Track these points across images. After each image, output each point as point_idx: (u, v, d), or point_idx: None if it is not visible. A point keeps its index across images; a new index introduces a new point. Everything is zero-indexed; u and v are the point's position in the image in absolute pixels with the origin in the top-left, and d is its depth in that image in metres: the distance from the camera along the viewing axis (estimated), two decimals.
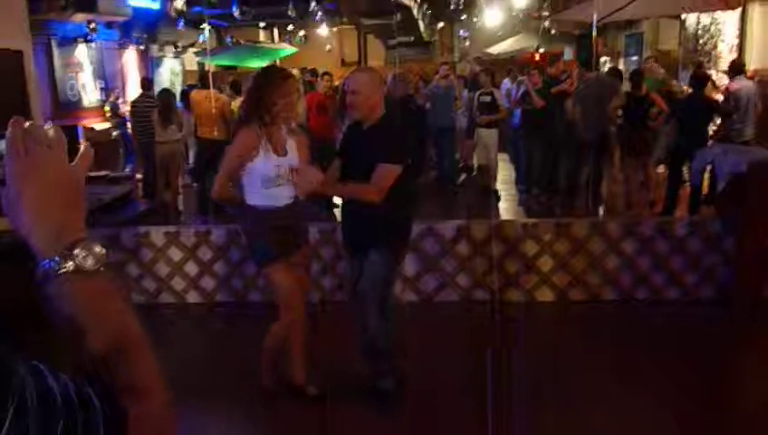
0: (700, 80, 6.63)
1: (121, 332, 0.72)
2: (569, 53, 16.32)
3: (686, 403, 3.43)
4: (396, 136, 3.28)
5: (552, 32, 15.96)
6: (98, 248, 0.72)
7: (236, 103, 8.40)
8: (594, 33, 6.98)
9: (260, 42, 16.57)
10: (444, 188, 8.60)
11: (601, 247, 4.78)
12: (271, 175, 3.15)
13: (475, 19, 16.59)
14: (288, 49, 15.44)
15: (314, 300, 4.66)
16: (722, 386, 3.64)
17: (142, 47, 13.24)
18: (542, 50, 14.92)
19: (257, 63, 15.24)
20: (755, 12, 8.56)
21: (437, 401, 3.53)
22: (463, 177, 9.40)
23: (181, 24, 12.54)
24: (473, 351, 4.09)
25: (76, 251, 0.71)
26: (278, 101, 3.10)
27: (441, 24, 18.53)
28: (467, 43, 18.61)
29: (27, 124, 0.74)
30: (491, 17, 15.11)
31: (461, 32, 18.57)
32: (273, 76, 3.20)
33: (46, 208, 0.72)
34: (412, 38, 18.18)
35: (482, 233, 4.88)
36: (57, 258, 0.70)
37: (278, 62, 16.58)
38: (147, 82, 8.60)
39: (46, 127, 0.77)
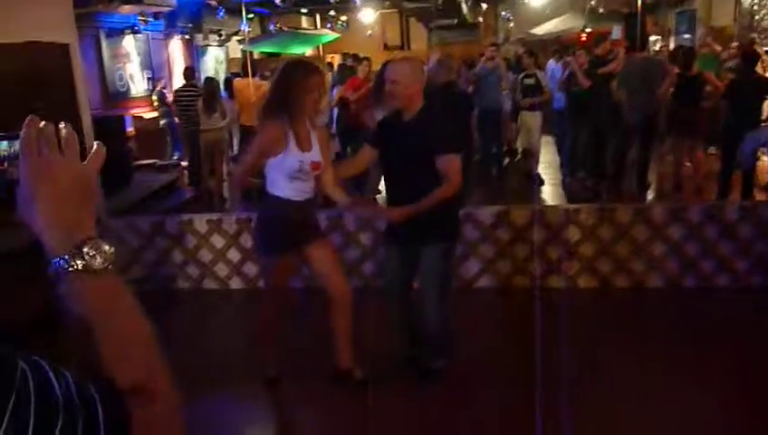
0: (751, 57, 6.35)
1: (129, 332, 0.73)
2: (617, 33, 15.81)
3: (735, 395, 3.33)
4: (444, 125, 3.30)
5: (600, 11, 15.52)
6: (106, 247, 0.73)
7: None
8: (639, 11, 6.73)
9: (302, 28, 16.63)
10: (487, 171, 8.49)
11: (646, 233, 4.66)
12: (294, 169, 3.17)
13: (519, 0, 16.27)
14: (330, 35, 15.45)
15: (355, 285, 4.69)
16: None
17: (187, 36, 13.45)
18: (588, 30, 14.52)
19: (300, 50, 15.33)
20: None
21: (478, 388, 3.51)
22: (506, 160, 9.27)
23: (222, 13, 12.68)
24: (513, 338, 4.06)
25: (85, 249, 0.72)
26: (304, 95, 3.12)
27: (485, 6, 18.23)
28: (512, 25, 18.27)
29: (42, 124, 0.75)
30: None
31: (504, 13, 18.23)
32: (299, 70, 3.18)
33: (59, 208, 0.73)
34: (455, 20, 17.95)
35: (523, 218, 4.81)
36: (66, 256, 0.71)
37: (321, 47, 16.64)
38: (189, 72, 8.76)
39: (60, 127, 0.78)
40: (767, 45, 9.30)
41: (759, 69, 6.65)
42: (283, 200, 3.23)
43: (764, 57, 8.40)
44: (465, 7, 15.94)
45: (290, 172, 3.17)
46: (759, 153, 5.66)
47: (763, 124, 6.17)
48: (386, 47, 18.58)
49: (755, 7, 9.82)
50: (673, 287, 4.66)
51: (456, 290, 4.85)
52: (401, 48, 18.55)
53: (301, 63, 3.34)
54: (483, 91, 8.19)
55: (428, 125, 3.17)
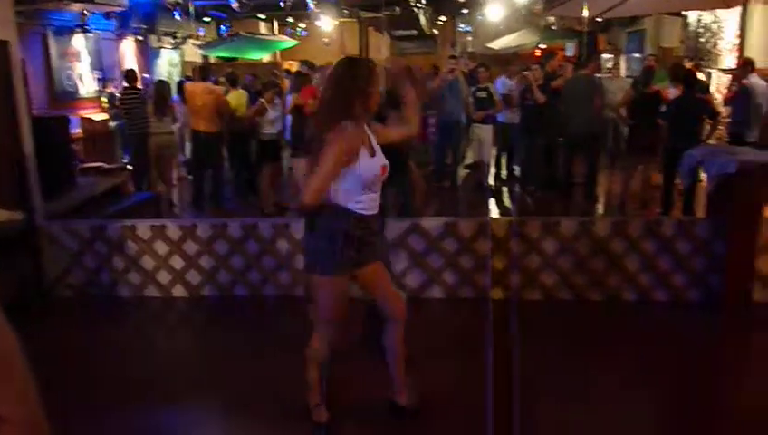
0: (690, 79, 6.57)
1: None
2: (571, 50, 16.21)
3: (673, 405, 3.39)
4: None
5: (555, 28, 15.87)
6: None
7: (233, 96, 8.38)
8: (585, 30, 6.91)
9: (260, 34, 16.50)
10: (440, 183, 8.54)
11: (589, 246, 4.74)
12: (371, 179, 2.89)
13: (477, 14, 16.49)
14: (288, 41, 15.39)
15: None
16: (709, 388, 3.60)
17: (140, 38, 13.19)
18: (543, 46, 14.82)
19: (257, 55, 15.23)
20: (756, 11, 8.47)
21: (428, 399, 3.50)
22: (466, 172, 9.35)
23: (177, 14, 12.49)
24: (461, 349, 4.06)
25: None
26: (369, 96, 2.87)
27: (443, 18, 18.42)
28: (470, 38, 18.51)
29: None
30: (493, 12, 15.00)
31: (463, 26, 18.46)
32: (361, 68, 2.89)
33: None
34: (414, 32, 18.09)
35: (470, 230, 4.84)
36: None
37: (278, 54, 16.56)
38: (132, 74, 8.49)
39: None
40: (710, 67, 9.63)
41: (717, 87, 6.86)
42: (353, 213, 2.89)
43: (706, 78, 8.69)
44: (423, 19, 16.07)
45: (366, 182, 2.88)
46: (698, 171, 5.83)
47: (702, 144, 6.37)
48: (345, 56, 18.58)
49: (700, 30, 10.17)
50: (613, 300, 4.74)
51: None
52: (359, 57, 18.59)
53: (360, 61, 3.01)
54: (442, 103, 8.26)
55: None
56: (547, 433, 3.16)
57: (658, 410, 3.35)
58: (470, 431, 3.14)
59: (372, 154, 2.90)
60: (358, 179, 2.85)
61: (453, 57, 9.51)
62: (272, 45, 15.70)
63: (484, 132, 8.02)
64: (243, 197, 8.45)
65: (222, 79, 9.70)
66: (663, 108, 6.81)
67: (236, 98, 8.40)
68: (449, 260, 4.87)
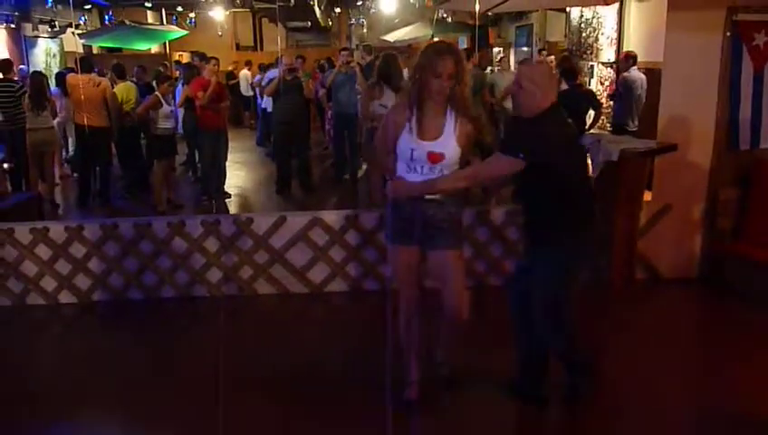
0: (571, 73, 6.92)
1: None
2: (464, 43, 16.62)
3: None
4: (529, 128, 2.97)
5: (448, 21, 16.19)
6: None
7: (121, 88, 7.95)
8: (477, 24, 7.08)
9: (147, 23, 15.74)
10: (340, 176, 8.52)
11: (486, 235, 4.87)
12: (407, 157, 2.98)
13: (371, 6, 16.54)
14: (177, 31, 14.76)
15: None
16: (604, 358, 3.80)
17: (13, 25, 12.21)
18: (436, 38, 15.10)
19: (144, 45, 14.49)
20: (632, 7, 9.02)
21: (325, 391, 3.47)
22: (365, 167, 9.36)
23: (50, 1, 11.67)
24: (365, 340, 4.06)
25: None
26: (430, 79, 2.89)
27: (338, 10, 18.35)
28: (365, 30, 18.55)
29: None
30: (386, 4, 15.09)
31: (355, 19, 18.48)
32: (428, 52, 2.93)
33: None
34: (309, 23, 17.91)
35: (372, 222, 4.85)
36: None
37: (167, 44, 15.86)
38: (5, 65, 7.78)
39: None
40: (592, 61, 10.18)
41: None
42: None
43: (586, 70, 9.17)
44: (318, 10, 15.93)
45: (405, 159, 3.00)
46: None
47: (586, 133, 6.72)
48: (238, 47, 18.12)
49: (582, 25, 10.71)
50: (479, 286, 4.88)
51: (306, 295, 4.85)
52: (254, 49, 18.19)
53: (432, 46, 3.02)
54: (339, 96, 8.22)
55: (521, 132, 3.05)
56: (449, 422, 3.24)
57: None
58: (370, 420, 3.15)
59: (426, 138, 2.94)
60: (399, 154, 3.01)
61: (345, 49, 9.49)
62: (160, 35, 14.99)
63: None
64: (134, 195, 8.05)
65: (107, 71, 9.19)
66: None
67: (124, 91, 7.98)
68: (352, 253, 4.87)
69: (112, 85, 8.02)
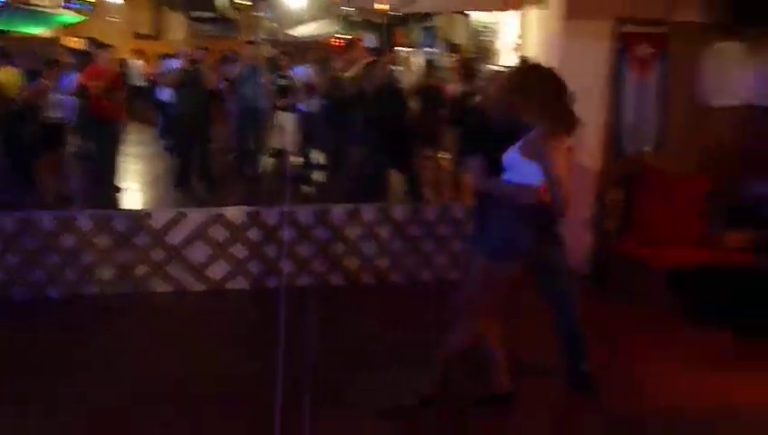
0: (471, 74, 7.15)
1: None
2: (371, 41, 16.74)
3: None
4: None
5: (354, 18, 16.23)
6: None
7: (4, 74, 7.38)
8: (384, 22, 7.13)
9: (36, 5, 14.74)
10: (242, 171, 8.34)
11: (389, 232, 4.92)
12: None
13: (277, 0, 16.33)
14: (71, 16, 13.94)
15: None
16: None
17: None
18: (342, 36, 15.11)
19: (34, 29, 13.61)
20: (531, 14, 9.39)
21: (226, 394, 3.39)
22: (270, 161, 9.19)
23: None
24: (267, 339, 3.99)
25: None
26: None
27: (244, 2, 17.95)
28: (271, 24, 18.27)
29: None
30: None
31: (263, 13, 18.17)
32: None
33: None
34: (213, 14, 17.41)
35: (274, 219, 4.78)
36: None
37: (59, 29, 14.96)
38: None
39: None
40: (490, 63, 10.52)
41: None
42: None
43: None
44: (222, 1, 15.53)
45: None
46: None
47: None
48: (137, 35, 17.34)
49: (480, 29, 11.06)
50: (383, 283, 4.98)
51: (204, 293, 4.71)
52: (154, 38, 17.46)
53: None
54: (244, 89, 8.04)
55: None
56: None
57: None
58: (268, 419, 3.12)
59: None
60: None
61: (250, 42, 9.31)
62: (52, 19, 14.10)
63: (287, 120, 7.98)
64: (18, 187, 7.51)
65: None
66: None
67: (9, 76, 7.42)
68: (253, 250, 4.78)
69: None
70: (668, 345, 4.13)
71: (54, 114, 6.87)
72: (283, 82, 7.96)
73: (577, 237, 5.23)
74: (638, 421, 3.30)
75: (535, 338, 3.82)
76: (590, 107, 5.03)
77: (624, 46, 5.02)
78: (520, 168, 2.92)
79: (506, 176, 2.98)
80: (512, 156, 2.96)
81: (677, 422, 3.29)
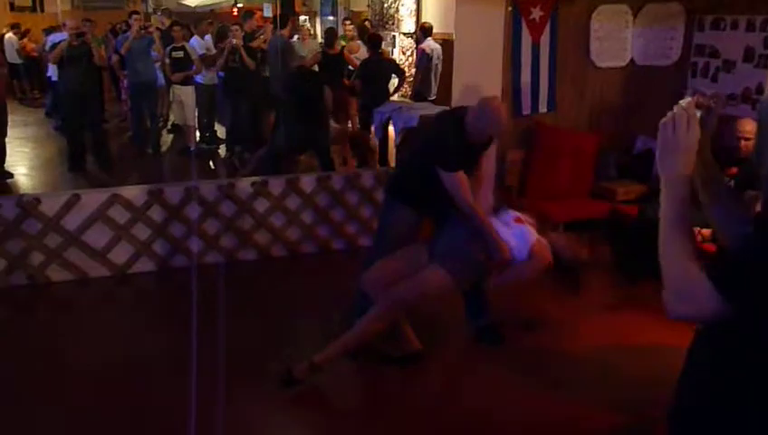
0: (376, 42, 7.14)
1: None
2: (268, 10, 16.31)
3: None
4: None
5: None
6: None
7: None
8: None
9: None
10: (141, 149, 8.00)
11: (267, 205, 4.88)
12: None
13: None
14: None
15: None
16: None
17: None
18: (240, 5, 14.65)
19: None
20: None
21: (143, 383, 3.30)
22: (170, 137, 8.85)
23: None
24: (176, 318, 3.91)
25: None
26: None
27: None
28: None
29: None
30: None
31: None
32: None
33: None
34: None
35: (177, 197, 4.64)
36: None
37: None
38: None
39: None
40: (393, 31, 10.54)
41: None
42: None
43: (389, 40, 9.47)
44: None
45: None
46: (388, 124, 6.39)
47: (389, 101, 6.98)
48: (13, 8, 16.05)
49: None
50: (324, 251, 5.01)
51: (108, 278, 4.53)
52: (33, 10, 16.23)
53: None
54: (134, 64, 7.66)
55: None
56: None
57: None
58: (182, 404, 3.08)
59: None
60: None
61: (135, 13, 8.84)
62: None
63: (185, 94, 7.68)
64: None
65: None
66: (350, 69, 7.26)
67: None
68: (157, 230, 4.63)
69: None
70: (559, 294, 4.36)
71: None
72: (178, 54, 7.62)
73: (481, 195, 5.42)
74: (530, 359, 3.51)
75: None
76: (487, 70, 5.18)
77: (516, 10, 5.16)
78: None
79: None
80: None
81: (567, 357, 3.52)
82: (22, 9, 15.81)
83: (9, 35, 12.76)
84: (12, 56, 12.41)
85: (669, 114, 1.22)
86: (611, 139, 5.46)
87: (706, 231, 3.59)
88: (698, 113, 1.22)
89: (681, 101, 1.24)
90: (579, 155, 5.27)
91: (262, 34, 8.03)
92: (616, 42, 5.55)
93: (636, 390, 3.16)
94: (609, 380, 3.33)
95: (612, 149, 5.43)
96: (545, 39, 5.32)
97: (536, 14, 5.23)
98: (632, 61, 5.60)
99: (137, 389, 3.23)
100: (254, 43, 7.74)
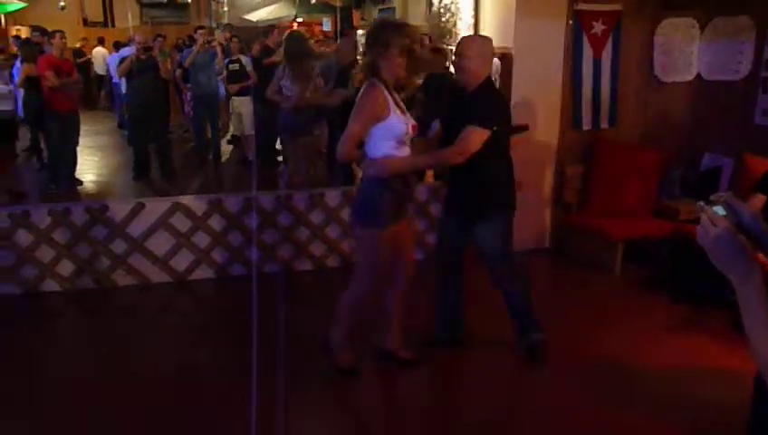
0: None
1: None
2: (327, 24, 16.58)
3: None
4: (490, 101, 3.25)
5: (312, 1, 16.05)
6: None
7: None
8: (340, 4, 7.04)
9: None
10: (202, 159, 8.22)
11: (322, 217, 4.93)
12: (403, 133, 3.04)
13: None
14: (13, 3, 13.45)
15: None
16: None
17: None
18: (300, 19, 14.96)
19: None
20: None
21: (203, 385, 3.38)
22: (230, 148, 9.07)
23: None
24: (233, 328, 3.99)
25: None
26: (394, 58, 2.97)
27: None
28: (225, 9, 17.93)
29: None
30: None
31: None
32: (387, 31, 3.02)
33: None
34: None
35: (236, 206, 4.75)
36: None
37: (1, 17, 14.44)
38: None
39: None
40: (451, 45, 10.53)
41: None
42: None
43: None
44: None
45: (399, 137, 3.03)
46: None
47: None
48: (86, 22, 16.83)
49: (442, 10, 11.04)
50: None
51: (169, 284, 4.66)
52: (104, 25, 16.98)
53: (389, 24, 3.20)
54: (197, 76, 7.90)
55: (478, 98, 3.21)
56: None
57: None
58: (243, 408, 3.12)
59: (404, 112, 3.08)
60: (389, 135, 3.01)
61: (201, 27, 9.12)
62: None
63: (243, 105, 7.89)
64: None
65: None
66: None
67: None
68: (217, 238, 4.74)
69: None
70: (621, 313, 4.26)
71: (2, 107, 6.64)
72: (234, 66, 7.83)
73: (537, 212, 5.35)
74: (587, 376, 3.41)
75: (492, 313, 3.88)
76: (547, 84, 5.12)
77: (578, 24, 5.09)
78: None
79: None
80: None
81: (622, 379, 3.41)
82: (94, 24, 16.57)
83: (98, 48, 13.40)
84: (100, 68, 13.00)
85: (698, 228, 1.16)
86: (675, 155, 5.30)
87: None
88: (720, 210, 1.15)
89: (701, 209, 1.18)
90: (641, 172, 5.13)
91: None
92: (681, 56, 5.41)
93: (706, 413, 3.06)
94: (680, 401, 3.21)
95: (676, 167, 5.27)
96: (607, 53, 5.23)
97: (598, 27, 5.15)
98: (698, 75, 5.43)
99: (191, 392, 3.29)
100: (268, 59, 7.51)
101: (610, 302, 4.47)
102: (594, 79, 5.24)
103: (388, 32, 3.00)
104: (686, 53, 5.39)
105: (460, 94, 3.33)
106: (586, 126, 5.30)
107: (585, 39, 5.15)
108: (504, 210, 3.40)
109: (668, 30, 5.32)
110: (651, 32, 5.30)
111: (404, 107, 3.14)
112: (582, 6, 5.07)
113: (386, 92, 3.01)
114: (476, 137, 3.14)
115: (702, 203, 1.17)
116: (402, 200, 3.15)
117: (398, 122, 3.03)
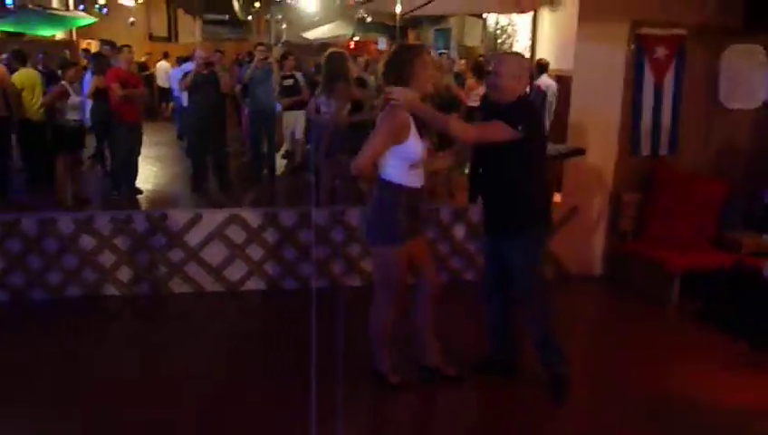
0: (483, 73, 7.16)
1: None
2: (383, 43, 16.77)
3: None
4: (521, 109, 3.22)
5: (368, 21, 16.29)
6: None
7: (21, 75, 7.48)
8: (397, 25, 7.15)
9: (52, 8, 14.92)
10: (257, 173, 8.39)
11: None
12: (419, 156, 3.14)
13: (290, 2, 16.39)
14: (85, 18, 14.08)
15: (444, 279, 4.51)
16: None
17: None
18: (356, 38, 15.18)
19: (48, 32, 13.75)
20: (545, 16, 9.38)
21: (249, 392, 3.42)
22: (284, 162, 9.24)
23: None
24: (286, 339, 4.03)
25: None
26: (420, 79, 3.12)
27: (257, 5, 18.06)
28: (284, 26, 18.36)
29: None
30: (307, 2, 15.02)
31: (273, 14, 18.24)
32: (411, 52, 3.19)
33: None
34: (227, 16, 17.54)
35: (291, 220, 4.82)
36: None
37: (74, 31, 15.12)
38: None
39: None
40: None
41: None
42: (406, 188, 3.16)
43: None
44: (236, 4, 15.63)
45: (414, 160, 3.13)
46: None
47: None
48: (151, 37, 17.50)
49: (498, 32, 11.04)
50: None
51: (222, 294, 4.75)
52: (168, 40, 17.62)
53: (406, 46, 3.48)
54: (256, 92, 8.10)
55: (512, 106, 3.20)
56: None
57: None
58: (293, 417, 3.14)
59: (421, 135, 3.17)
60: (405, 156, 3.11)
61: (261, 44, 9.35)
62: (66, 21, 14.24)
63: (294, 119, 8.05)
64: (37, 189, 7.61)
65: (3, 56, 8.61)
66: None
67: (25, 78, 7.50)
68: (270, 251, 4.82)
69: (11, 72, 7.53)
70: (677, 348, 4.12)
71: (73, 117, 6.94)
72: (288, 82, 8.00)
73: (590, 238, 5.25)
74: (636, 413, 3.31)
75: None
76: (605, 108, 5.05)
77: (640, 48, 5.02)
78: None
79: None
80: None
81: (677, 419, 3.29)
82: (159, 39, 17.20)
83: (162, 62, 13.90)
84: (163, 81, 13.49)
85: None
86: (739, 185, 5.13)
87: None
88: None
89: None
90: (701, 201, 4.98)
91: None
92: (747, 82, 5.26)
93: None
94: None
95: (740, 197, 5.10)
96: (669, 78, 5.12)
97: (661, 52, 5.06)
98: (765, 104, 5.27)
99: (238, 400, 3.34)
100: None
101: (666, 336, 4.33)
102: (655, 104, 5.14)
103: (410, 56, 3.15)
104: (752, 79, 5.24)
105: (495, 108, 3.32)
106: (644, 152, 5.19)
107: (647, 63, 5.06)
108: (530, 228, 3.30)
109: (734, 55, 5.18)
110: (716, 57, 5.17)
111: (422, 132, 3.21)
112: (645, 31, 5.00)
113: (409, 116, 3.11)
114: (497, 128, 3.14)
115: None
116: (416, 217, 3.23)
117: (415, 146, 3.12)
